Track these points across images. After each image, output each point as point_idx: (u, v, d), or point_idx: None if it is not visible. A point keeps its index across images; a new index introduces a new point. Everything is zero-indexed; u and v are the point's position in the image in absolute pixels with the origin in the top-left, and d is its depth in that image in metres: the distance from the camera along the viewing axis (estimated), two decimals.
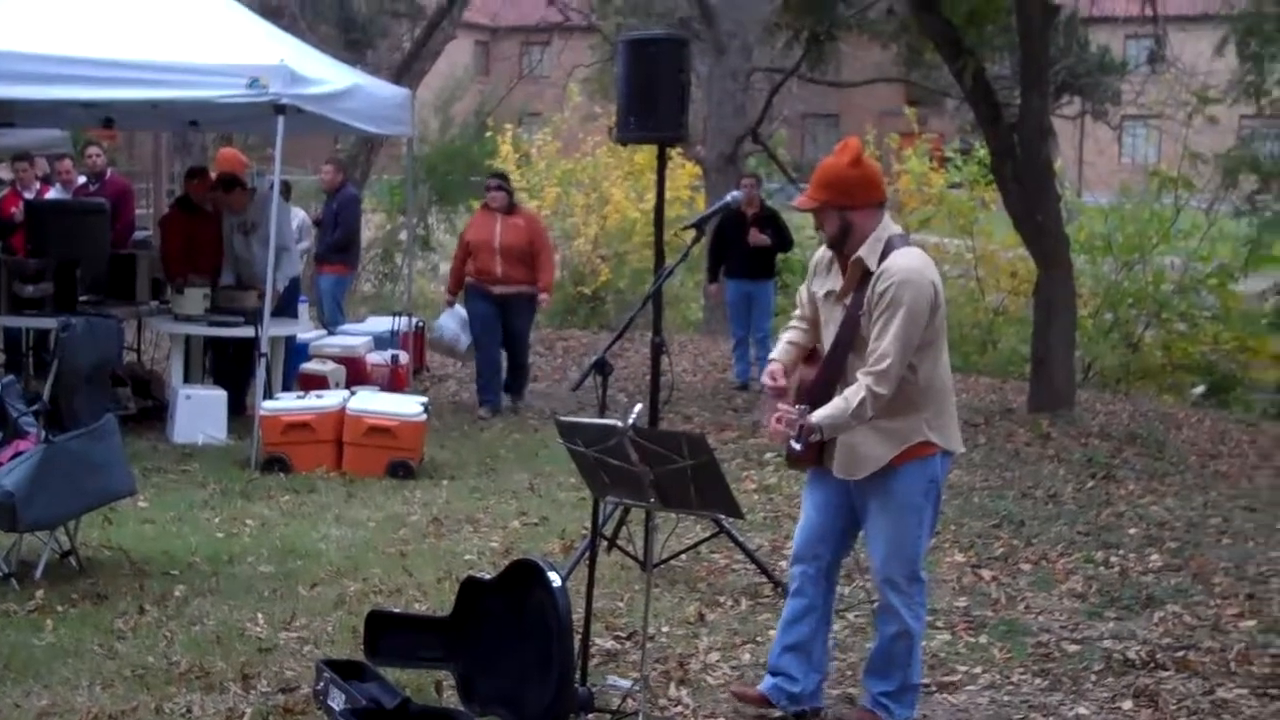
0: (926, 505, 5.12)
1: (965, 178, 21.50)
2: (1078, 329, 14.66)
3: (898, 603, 5.15)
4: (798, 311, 5.38)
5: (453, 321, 12.22)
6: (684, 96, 7.39)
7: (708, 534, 7.51)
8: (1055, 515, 8.94)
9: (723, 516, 6.57)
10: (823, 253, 5.25)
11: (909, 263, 4.95)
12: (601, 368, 5.58)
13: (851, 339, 5.02)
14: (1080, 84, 25.55)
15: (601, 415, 5.42)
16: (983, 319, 20.38)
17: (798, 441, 4.89)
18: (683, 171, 21.57)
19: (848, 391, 4.94)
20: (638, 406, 5.20)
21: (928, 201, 21.84)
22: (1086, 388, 15.91)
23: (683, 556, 7.42)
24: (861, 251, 4.99)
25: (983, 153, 15.92)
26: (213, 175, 11.82)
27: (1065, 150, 29.12)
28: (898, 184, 23.09)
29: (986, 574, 7.54)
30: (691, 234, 6.10)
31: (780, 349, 5.32)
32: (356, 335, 12.60)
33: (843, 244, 5.05)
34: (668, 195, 7.74)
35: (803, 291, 5.36)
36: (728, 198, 6.55)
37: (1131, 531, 8.58)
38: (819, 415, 4.94)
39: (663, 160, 7.66)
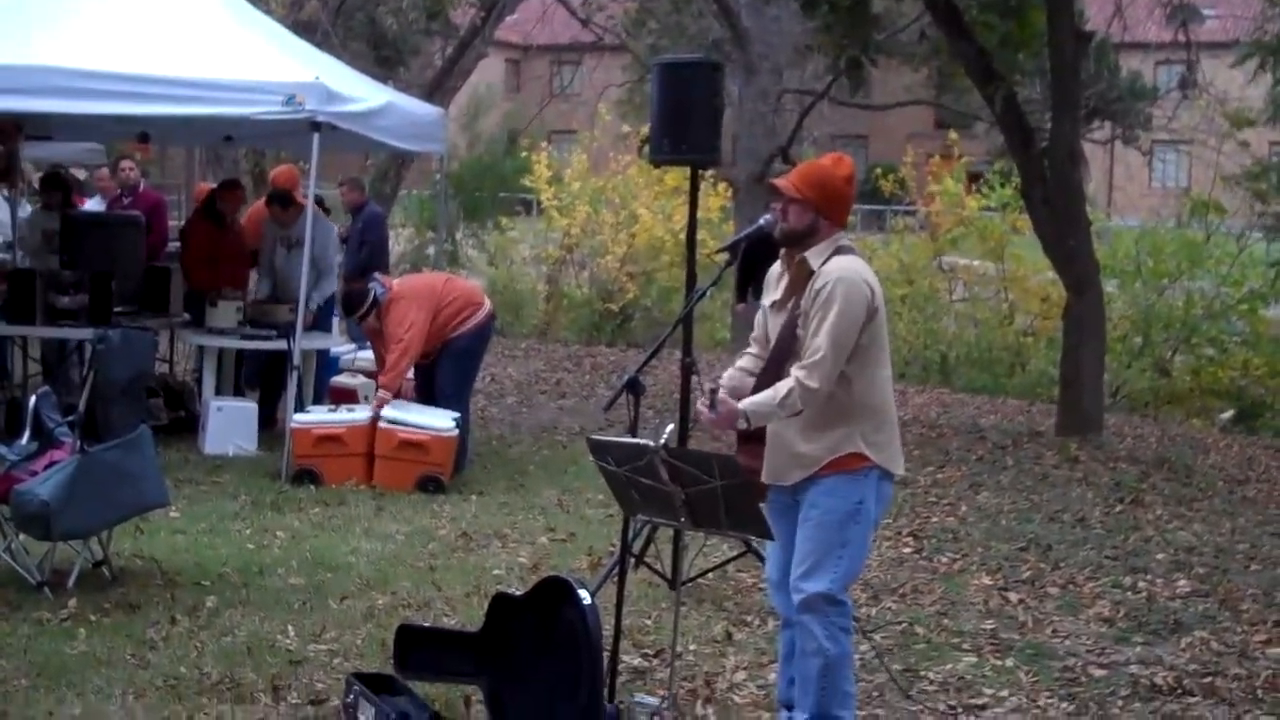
0: (851, 525, 4.98)
1: (998, 201, 21.49)
2: (1107, 352, 14.63)
3: (811, 621, 5.01)
4: (755, 332, 5.35)
5: None
6: (717, 120, 7.43)
7: (735, 553, 7.54)
8: (1083, 539, 8.93)
9: (752, 537, 6.59)
10: (776, 268, 5.25)
11: (847, 263, 4.98)
12: (633, 387, 5.61)
13: (790, 344, 5.00)
14: (1111, 109, 25.58)
15: (633, 434, 5.46)
16: (1012, 341, 20.36)
17: (709, 408, 4.93)
18: (714, 195, 21.60)
19: (779, 384, 4.93)
20: (669, 426, 5.24)
21: (960, 223, 21.83)
22: (1115, 411, 15.88)
23: (710, 575, 7.45)
24: (809, 253, 5.02)
25: (1017, 179, 15.92)
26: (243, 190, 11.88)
27: (1096, 175, 29.13)
28: (930, 206, 23.10)
29: (1013, 597, 7.54)
30: (724, 257, 6.14)
31: (728, 374, 5.23)
32: None
33: (799, 242, 5.06)
34: (698, 216, 7.77)
35: (759, 315, 5.35)
36: (760, 221, 6.53)
37: (1159, 556, 8.57)
38: (747, 402, 4.95)
39: (695, 183, 7.70)
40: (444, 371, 9.97)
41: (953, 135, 23.66)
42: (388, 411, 9.64)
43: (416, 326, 9.64)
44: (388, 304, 9.76)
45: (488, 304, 10.22)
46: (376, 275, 10.40)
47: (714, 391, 4.96)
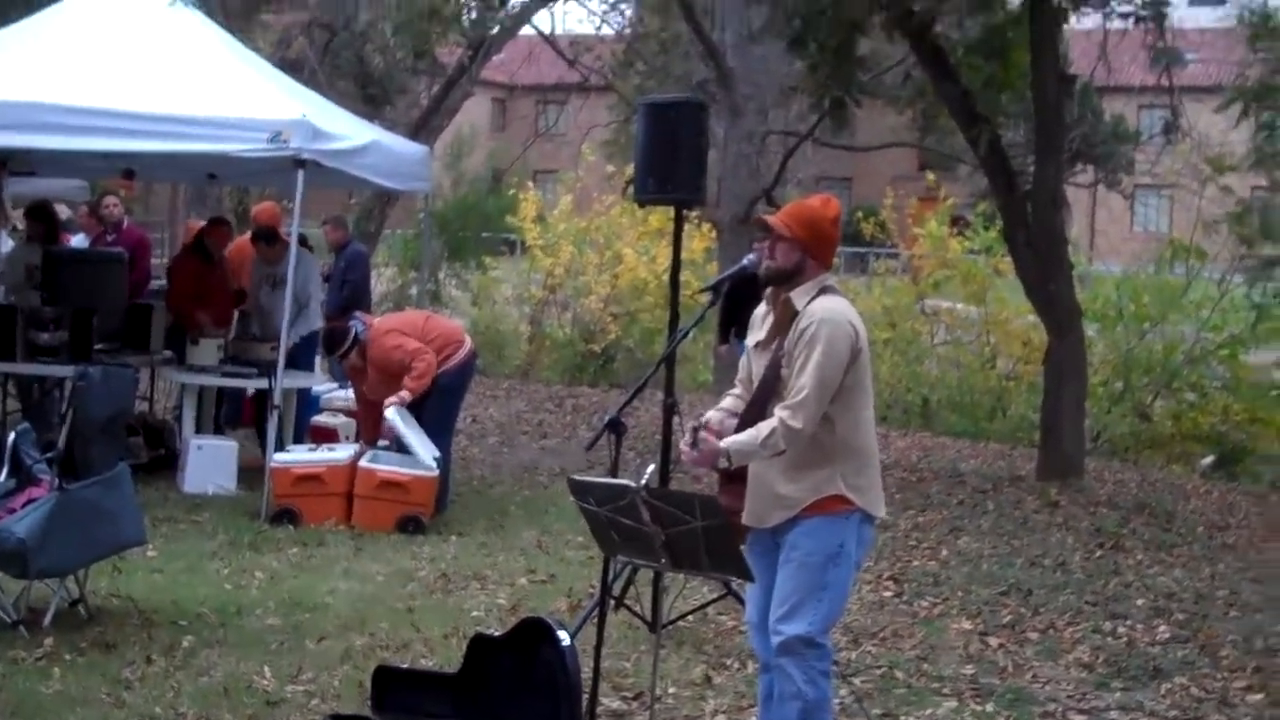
0: (831, 568, 4.96)
1: (982, 244, 21.54)
2: (1088, 397, 14.65)
3: (789, 664, 4.97)
4: (739, 374, 5.34)
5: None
6: (702, 160, 7.47)
7: (715, 595, 7.51)
8: (1063, 584, 8.93)
9: (732, 579, 6.57)
10: (761, 308, 5.25)
11: (831, 304, 4.99)
12: (615, 427, 5.62)
13: (774, 384, 5.00)
14: (1094, 153, 25.62)
15: (614, 475, 5.45)
16: (994, 385, 20.38)
17: (691, 446, 4.92)
18: (698, 236, 21.64)
19: (761, 424, 4.93)
20: (650, 467, 5.24)
21: (943, 266, 21.87)
22: (1096, 456, 15.89)
23: (690, 618, 7.42)
24: (794, 293, 5.03)
25: (1001, 222, 15.95)
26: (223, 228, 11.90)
27: (1078, 218, 29.23)
28: (913, 248, 23.14)
29: (993, 642, 7.52)
30: (707, 297, 6.16)
31: (711, 413, 5.20)
32: None
33: (784, 281, 5.06)
34: (682, 257, 7.78)
35: (743, 356, 5.34)
36: (744, 260, 6.51)
37: (1139, 602, 8.56)
38: (729, 441, 4.94)
39: (679, 221, 7.73)
40: (426, 410, 9.90)
41: (930, 177, 23.74)
42: (389, 414, 9.45)
43: (417, 345, 9.59)
44: (370, 341, 9.73)
45: (469, 342, 10.18)
46: (358, 314, 10.37)
47: (696, 429, 4.95)
